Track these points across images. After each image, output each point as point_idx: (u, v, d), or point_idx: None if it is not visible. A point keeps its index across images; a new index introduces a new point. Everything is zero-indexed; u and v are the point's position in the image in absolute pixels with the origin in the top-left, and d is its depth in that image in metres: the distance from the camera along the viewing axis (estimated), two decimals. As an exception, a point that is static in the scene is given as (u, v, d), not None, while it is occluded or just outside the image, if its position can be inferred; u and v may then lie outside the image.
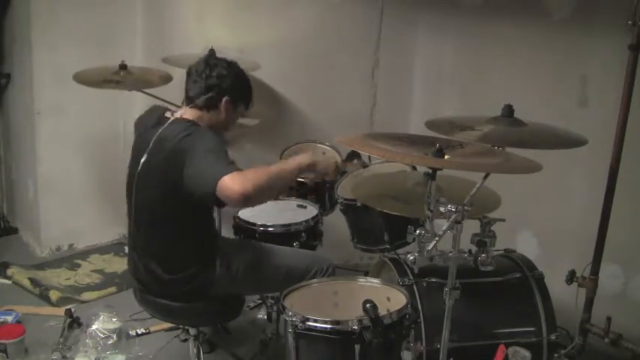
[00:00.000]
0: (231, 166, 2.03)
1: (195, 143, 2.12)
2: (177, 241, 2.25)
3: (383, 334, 1.83)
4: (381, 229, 2.72)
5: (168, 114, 2.32)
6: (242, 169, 2.05)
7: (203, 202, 2.12)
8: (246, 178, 1.99)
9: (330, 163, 2.43)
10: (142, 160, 2.21)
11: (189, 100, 2.31)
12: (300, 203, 2.98)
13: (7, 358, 2.70)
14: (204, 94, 2.29)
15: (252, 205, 2.19)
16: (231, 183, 1.97)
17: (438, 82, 3.74)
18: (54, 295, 3.31)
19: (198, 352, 2.48)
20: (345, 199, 2.83)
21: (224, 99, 2.31)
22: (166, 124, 2.22)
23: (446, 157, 1.91)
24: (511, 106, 2.21)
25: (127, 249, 2.56)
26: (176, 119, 2.26)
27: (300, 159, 2.28)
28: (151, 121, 2.32)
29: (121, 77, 3.07)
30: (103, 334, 2.84)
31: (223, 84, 2.30)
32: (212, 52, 3.04)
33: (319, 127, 3.66)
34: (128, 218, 2.36)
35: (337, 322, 1.90)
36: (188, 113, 2.29)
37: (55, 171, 3.82)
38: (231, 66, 2.36)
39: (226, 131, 2.44)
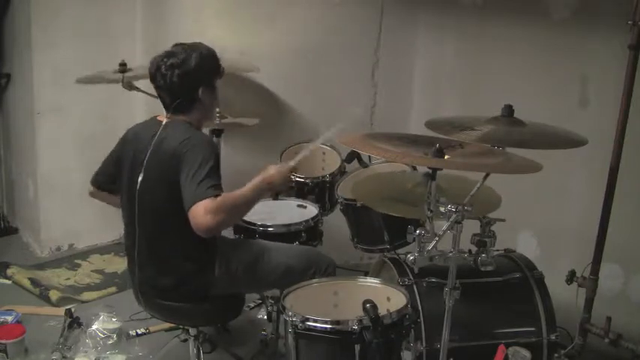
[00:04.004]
0: (211, 190, 2.04)
1: (189, 153, 2.12)
2: (177, 243, 2.25)
3: (383, 334, 1.83)
4: (381, 229, 2.72)
5: (160, 117, 2.31)
6: (221, 193, 2.06)
7: None
8: (218, 209, 2.02)
9: (284, 176, 2.30)
10: (143, 166, 2.20)
11: (167, 108, 2.26)
12: (300, 203, 2.98)
13: (7, 358, 2.70)
14: (178, 97, 2.23)
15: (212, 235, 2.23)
16: (203, 211, 2.01)
17: (438, 82, 3.74)
18: (54, 295, 3.31)
19: (198, 352, 2.49)
20: (345, 199, 2.83)
21: (199, 90, 2.25)
22: (162, 127, 2.22)
23: (446, 157, 1.91)
24: (511, 106, 2.21)
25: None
26: (171, 121, 2.24)
27: (258, 183, 2.23)
28: (147, 128, 2.30)
29: (121, 77, 3.07)
30: (103, 334, 2.84)
31: (190, 78, 2.22)
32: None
33: (319, 127, 3.66)
34: (125, 220, 2.36)
35: (337, 322, 1.90)
36: (177, 116, 2.26)
37: (55, 171, 3.82)
38: (188, 54, 2.22)
39: (215, 112, 2.42)
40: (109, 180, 2.44)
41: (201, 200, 2.02)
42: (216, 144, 2.24)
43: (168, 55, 2.23)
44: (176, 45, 2.28)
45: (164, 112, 2.31)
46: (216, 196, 2.04)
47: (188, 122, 2.26)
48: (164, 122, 2.25)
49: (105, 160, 2.49)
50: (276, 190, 2.36)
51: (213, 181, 2.07)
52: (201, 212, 2.01)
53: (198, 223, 2.02)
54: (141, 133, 2.31)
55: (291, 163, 2.36)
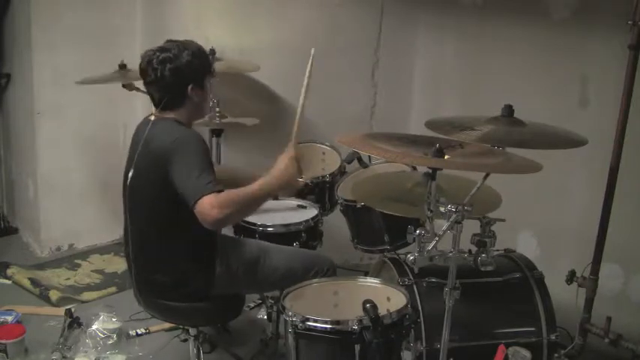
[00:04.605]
0: (211, 186, 2.03)
1: (179, 149, 2.11)
2: (173, 241, 2.24)
3: (383, 334, 1.84)
4: (381, 229, 2.72)
5: (151, 117, 2.30)
6: (222, 189, 2.05)
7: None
8: (223, 204, 2.02)
9: (292, 167, 2.28)
10: (132, 165, 2.20)
11: (156, 104, 2.25)
12: (300, 203, 2.97)
13: (7, 358, 2.70)
14: (167, 94, 2.22)
15: (220, 228, 2.24)
16: (209, 206, 2.01)
17: (438, 82, 3.74)
18: (54, 295, 3.31)
19: (198, 352, 2.48)
20: (345, 200, 2.83)
21: (189, 88, 2.23)
22: (149, 126, 2.21)
23: (446, 157, 1.91)
24: (511, 106, 2.21)
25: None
26: (158, 119, 2.24)
27: (267, 179, 2.21)
28: (141, 126, 2.30)
29: (121, 77, 3.07)
30: (103, 334, 2.84)
31: (181, 75, 2.21)
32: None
33: (319, 127, 3.66)
34: (125, 222, 2.36)
35: (337, 322, 1.90)
36: (166, 113, 2.25)
37: (55, 171, 3.82)
38: (180, 50, 2.21)
39: (205, 111, 2.42)
40: None
41: (204, 195, 2.01)
42: (204, 140, 2.23)
43: (161, 50, 2.22)
44: (169, 41, 2.28)
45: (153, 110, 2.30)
46: (219, 191, 2.04)
47: (176, 120, 2.25)
48: (152, 119, 2.24)
49: None
50: (287, 188, 2.32)
51: (210, 177, 2.06)
52: (207, 207, 2.00)
53: (206, 218, 2.02)
54: (137, 132, 2.32)
55: (291, 150, 2.30)
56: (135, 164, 2.20)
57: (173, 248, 2.25)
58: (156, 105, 2.26)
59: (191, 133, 2.22)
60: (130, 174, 2.21)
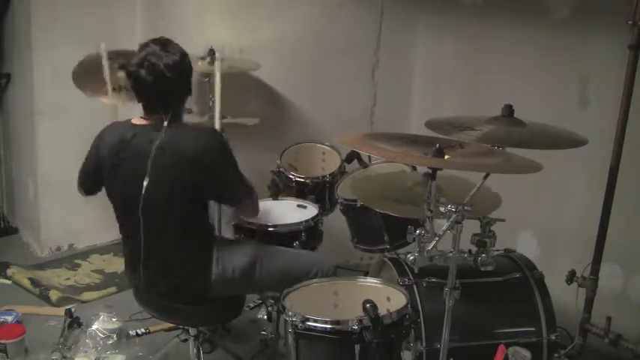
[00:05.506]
0: (253, 189, 2.33)
1: (215, 155, 2.19)
2: (180, 244, 2.25)
3: (383, 334, 1.84)
4: (381, 229, 2.72)
5: (136, 120, 2.25)
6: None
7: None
8: (257, 202, 2.41)
9: None
10: (146, 174, 2.15)
11: (167, 109, 2.19)
12: (300, 203, 2.98)
13: (7, 358, 2.70)
14: (178, 98, 2.23)
15: None
16: (254, 206, 2.42)
17: (438, 82, 3.74)
18: (54, 295, 3.31)
19: (198, 352, 2.49)
20: (345, 200, 2.83)
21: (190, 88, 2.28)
22: (164, 133, 2.16)
23: (446, 157, 1.91)
24: (511, 106, 2.21)
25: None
26: (172, 125, 2.19)
27: None
28: (125, 133, 2.23)
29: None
30: (103, 334, 2.84)
31: (187, 77, 2.23)
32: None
33: (319, 127, 3.66)
34: (126, 227, 2.35)
35: (337, 322, 1.90)
36: (172, 118, 2.21)
37: (55, 171, 3.82)
38: (181, 52, 2.20)
39: None
40: (95, 186, 2.48)
41: (249, 197, 2.34)
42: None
43: (163, 56, 2.14)
44: (157, 43, 2.18)
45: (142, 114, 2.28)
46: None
47: (186, 123, 2.27)
48: (165, 126, 2.18)
49: (84, 170, 2.49)
50: None
51: (248, 180, 2.32)
52: (255, 204, 2.40)
53: (254, 212, 2.46)
54: (125, 139, 2.23)
55: None
56: (150, 173, 2.15)
57: (178, 251, 2.25)
58: (165, 112, 2.19)
59: (220, 137, 2.30)
60: (145, 183, 2.16)
